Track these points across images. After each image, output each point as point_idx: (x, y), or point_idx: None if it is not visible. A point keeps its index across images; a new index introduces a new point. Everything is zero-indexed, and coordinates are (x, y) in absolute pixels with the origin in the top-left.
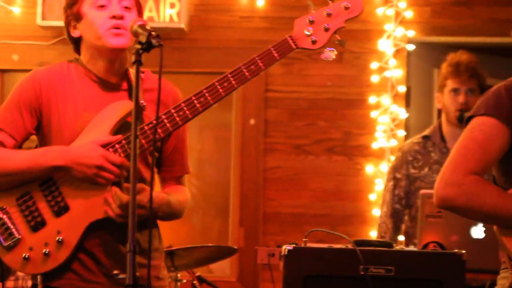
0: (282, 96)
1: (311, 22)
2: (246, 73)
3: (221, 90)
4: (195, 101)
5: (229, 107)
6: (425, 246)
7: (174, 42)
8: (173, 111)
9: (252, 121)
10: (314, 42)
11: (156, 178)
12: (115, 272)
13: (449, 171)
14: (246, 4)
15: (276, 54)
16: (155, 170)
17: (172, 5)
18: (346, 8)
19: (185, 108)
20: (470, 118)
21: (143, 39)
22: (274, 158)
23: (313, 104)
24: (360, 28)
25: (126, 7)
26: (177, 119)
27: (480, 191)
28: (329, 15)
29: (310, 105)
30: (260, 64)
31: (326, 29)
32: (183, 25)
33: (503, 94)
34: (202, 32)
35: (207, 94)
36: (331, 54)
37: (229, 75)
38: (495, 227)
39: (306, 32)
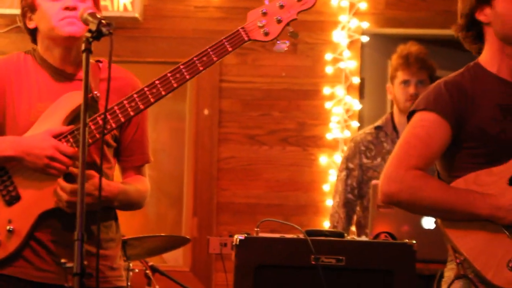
0: (236, 86)
1: (264, 14)
2: (199, 65)
3: (173, 82)
4: (147, 92)
5: (183, 97)
6: (376, 236)
7: (128, 31)
8: (125, 102)
9: (206, 111)
10: (266, 34)
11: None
12: (63, 260)
13: (392, 166)
14: None
15: (228, 46)
16: (115, 160)
17: None
18: (299, 0)
19: (137, 99)
20: (412, 113)
21: (93, 27)
22: (228, 148)
23: (267, 94)
24: (314, 19)
25: None
26: (129, 110)
27: (422, 185)
28: (281, 7)
29: (264, 95)
30: (213, 55)
31: (279, 21)
32: (137, 15)
33: (443, 89)
34: (157, 21)
35: (159, 85)
36: (283, 46)
37: (182, 66)
38: (438, 220)
39: (259, 24)
